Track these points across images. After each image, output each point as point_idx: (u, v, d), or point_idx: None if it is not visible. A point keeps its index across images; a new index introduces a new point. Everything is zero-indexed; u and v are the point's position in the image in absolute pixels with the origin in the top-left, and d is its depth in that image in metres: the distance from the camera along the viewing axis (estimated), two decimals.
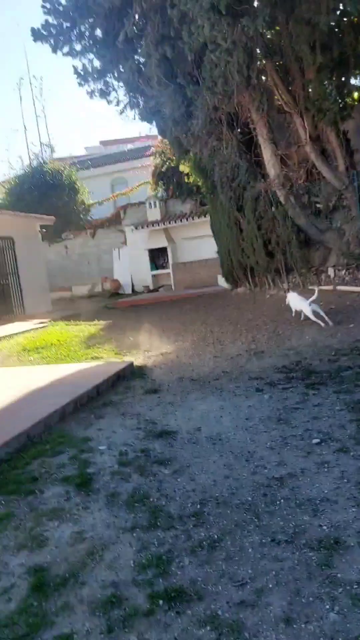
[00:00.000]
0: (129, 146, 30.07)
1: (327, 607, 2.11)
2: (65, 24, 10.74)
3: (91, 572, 2.51)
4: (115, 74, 11.70)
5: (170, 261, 19.68)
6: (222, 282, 16.43)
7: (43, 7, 10.75)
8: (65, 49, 11.18)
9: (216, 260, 16.75)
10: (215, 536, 2.70)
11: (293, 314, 8.85)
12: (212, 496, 3.15)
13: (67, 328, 11.80)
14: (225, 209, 13.07)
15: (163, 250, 20.05)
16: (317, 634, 1.99)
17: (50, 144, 28.71)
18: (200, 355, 7.52)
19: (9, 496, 3.34)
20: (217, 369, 6.55)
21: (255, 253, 12.29)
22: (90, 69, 11.72)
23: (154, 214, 19.96)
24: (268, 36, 10.30)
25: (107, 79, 11.94)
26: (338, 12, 8.88)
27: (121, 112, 12.41)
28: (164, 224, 19.51)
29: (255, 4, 8.27)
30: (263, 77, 10.59)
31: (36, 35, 11.02)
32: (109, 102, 12.26)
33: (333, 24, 8.94)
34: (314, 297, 7.95)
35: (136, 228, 20.22)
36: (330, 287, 10.78)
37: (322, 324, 7.77)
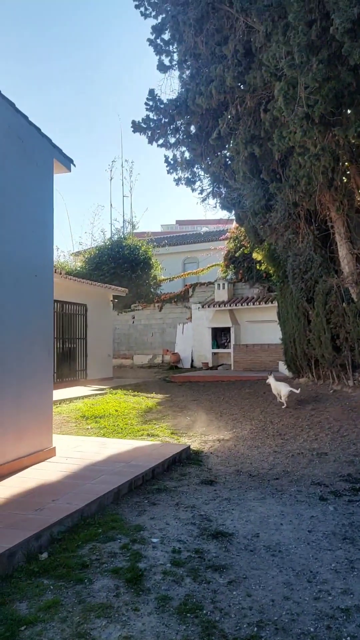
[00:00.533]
0: (204, 228, 31.37)
1: None
2: (164, 120, 11.74)
3: None
4: (203, 166, 12.50)
5: (233, 342, 19.73)
6: (283, 369, 16.16)
7: (146, 104, 11.86)
8: (161, 141, 12.14)
9: (278, 346, 16.63)
10: None
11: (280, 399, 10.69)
12: (271, 619, 2.90)
13: (125, 398, 11.89)
14: (294, 299, 13.10)
15: (226, 330, 20.22)
16: None
17: (132, 221, 30.47)
18: (260, 448, 7.27)
19: (58, 581, 3.24)
20: (277, 466, 6.28)
21: (322, 346, 12.08)
22: (180, 160, 12.61)
23: (222, 294, 20.36)
24: (354, 142, 10.73)
25: (195, 169, 12.79)
26: None
27: (203, 200, 13.11)
28: (230, 305, 19.79)
29: (350, 111, 8.70)
30: (345, 179, 10.91)
31: (136, 127, 12.08)
32: (193, 189, 13.04)
33: None
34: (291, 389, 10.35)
35: (202, 306, 20.63)
36: None
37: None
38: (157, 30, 11.75)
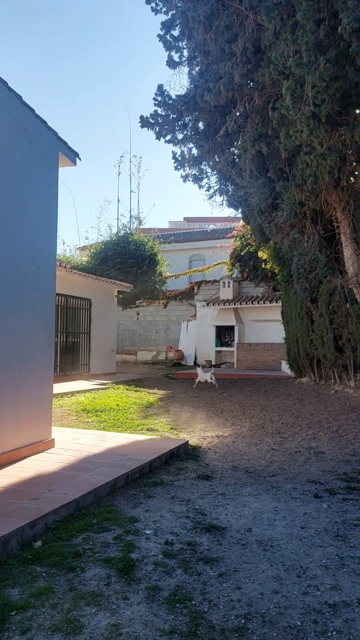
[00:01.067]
0: (211, 226, 31.35)
1: None
2: (172, 116, 11.73)
3: None
4: (210, 163, 12.49)
5: (236, 340, 19.74)
6: (285, 368, 16.16)
7: (154, 99, 11.86)
8: (168, 137, 12.14)
9: (281, 345, 16.65)
10: None
11: (194, 385, 13.69)
12: (259, 612, 2.93)
13: (127, 393, 11.95)
14: (298, 299, 13.10)
15: (230, 329, 20.23)
16: None
17: (139, 217, 30.48)
18: (258, 445, 7.31)
19: (51, 569, 3.29)
20: (274, 463, 6.31)
21: (325, 346, 12.08)
22: (187, 156, 12.61)
23: (227, 293, 20.35)
24: None
25: (202, 166, 12.79)
26: None
27: (210, 197, 13.11)
28: (234, 303, 19.79)
29: (357, 111, 8.69)
30: (352, 179, 10.88)
31: (144, 122, 12.08)
32: (200, 186, 13.03)
33: None
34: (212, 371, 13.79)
35: (207, 304, 20.63)
36: None
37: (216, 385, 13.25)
38: (167, 26, 11.74)
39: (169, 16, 11.73)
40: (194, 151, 12.71)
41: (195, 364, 20.93)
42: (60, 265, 13.25)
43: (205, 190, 13.17)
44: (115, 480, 4.90)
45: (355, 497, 4.97)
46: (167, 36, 11.86)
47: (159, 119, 11.97)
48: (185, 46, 11.88)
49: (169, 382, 15.51)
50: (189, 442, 7.07)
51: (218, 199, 13.49)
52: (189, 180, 12.98)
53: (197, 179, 12.94)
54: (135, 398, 11.33)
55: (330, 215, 11.63)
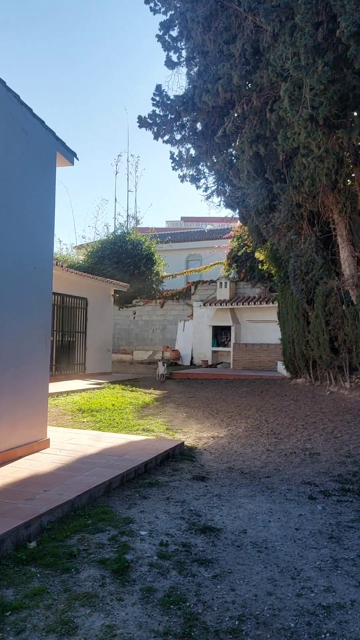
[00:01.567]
0: (209, 226, 31.35)
1: None
2: (170, 116, 11.74)
3: None
4: (208, 164, 12.51)
5: (233, 340, 19.78)
6: (281, 369, 16.20)
7: (153, 99, 11.87)
8: (166, 137, 12.15)
9: (277, 346, 16.69)
10: None
11: (157, 377, 15.72)
12: (253, 613, 2.95)
13: (122, 393, 11.95)
14: (294, 300, 13.14)
15: (227, 329, 20.26)
16: None
17: (136, 217, 30.46)
18: (253, 446, 7.32)
19: (45, 570, 3.29)
20: (269, 464, 6.33)
21: (320, 347, 12.12)
22: (185, 157, 12.62)
23: (223, 293, 20.39)
24: (359, 144, 10.73)
25: (200, 167, 12.80)
26: None
27: (207, 198, 13.13)
28: (231, 304, 19.82)
29: (355, 114, 8.71)
30: (349, 182, 10.92)
31: (142, 122, 12.08)
32: (197, 187, 13.05)
33: None
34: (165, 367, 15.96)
35: (204, 304, 20.66)
36: None
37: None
38: (166, 26, 11.74)
39: (168, 16, 11.73)
40: (192, 152, 12.74)
41: (192, 364, 20.96)
42: (56, 264, 13.23)
43: (203, 191, 13.20)
44: (111, 481, 4.91)
45: (349, 499, 4.99)
46: (166, 36, 11.86)
47: (157, 119, 11.97)
48: (183, 47, 11.89)
49: (165, 382, 15.52)
50: (185, 443, 7.08)
51: (215, 199, 13.55)
52: (187, 181, 13.00)
53: (194, 180, 12.96)
54: (131, 398, 11.33)
55: (327, 217, 11.67)
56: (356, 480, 5.66)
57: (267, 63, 9.08)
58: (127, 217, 31.12)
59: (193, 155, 12.80)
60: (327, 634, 2.78)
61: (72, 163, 6.76)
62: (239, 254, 20.56)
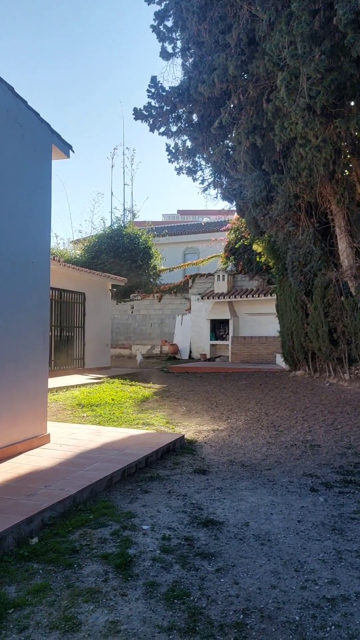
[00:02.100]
0: (206, 219, 31.24)
1: None
2: (166, 108, 11.63)
3: None
4: (205, 156, 12.41)
5: (231, 334, 19.75)
6: (280, 361, 16.20)
7: (148, 91, 11.75)
8: (162, 129, 12.04)
9: (276, 338, 16.68)
10: None
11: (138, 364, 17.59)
12: (257, 607, 2.93)
13: (122, 387, 11.93)
14: (293, 292, 13.10)
15: (225, 322, 20.23)
16: None
17: (133, 210, 30.30)
18: (254, 439, 7.31)
19: (48, 566, 3.27)
20: (270, 457, 6.32)
21: (319, 339, 12.10)
22: (181, 149, 12.53)
23: (221, 286, 20.34)
24: (356, 134, 10.66)
25: (196, 159, 12.71)
26: None
27: (204, 190, 13.05)
28: (229, 297, 19.78)
29: (352, 103, 8.64)
30: (347, 172, 10.85)
31: (138, 114, 11.97)
32: (194, 179, 12.96)
33: None
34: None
35: (202, 298, 20.62)
36: None
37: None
38: (160, 16, 11.61)
39: (162, 6, 11.59)
40: (188, 143, 12.63)
41: (190, 358, 20.95)
42: (53, 259, 13.15)
43: (200, 183, 13.12)
44: (112, 476, 4.88)
45: (351, 491, 4.98)
46: (161, 27, 11.74)
47: (153, 111, 11.87)
48: (178, 37, 11.76)
49: (164, 376, 15.50)
50: (185, 436, 7.06)
51: (212, 191, 13.45)
52: (183, 173, 12.92)
53: (191, 172, 12.87)
54: (131, 392, 11.31)
55: (325, 208, 11.61)
56: (357, 471, 5.65)
57: (264, 52, 8.98)
58: (124, 210, 30.94)
59: (189, 147, 12.70)
60: (333, 627, 2.76)
61: (68, 156, 6.68)
62: (237, 246, 20.49)
